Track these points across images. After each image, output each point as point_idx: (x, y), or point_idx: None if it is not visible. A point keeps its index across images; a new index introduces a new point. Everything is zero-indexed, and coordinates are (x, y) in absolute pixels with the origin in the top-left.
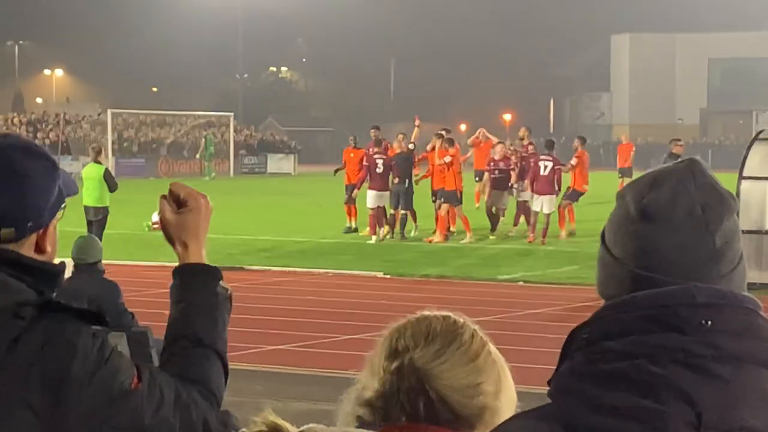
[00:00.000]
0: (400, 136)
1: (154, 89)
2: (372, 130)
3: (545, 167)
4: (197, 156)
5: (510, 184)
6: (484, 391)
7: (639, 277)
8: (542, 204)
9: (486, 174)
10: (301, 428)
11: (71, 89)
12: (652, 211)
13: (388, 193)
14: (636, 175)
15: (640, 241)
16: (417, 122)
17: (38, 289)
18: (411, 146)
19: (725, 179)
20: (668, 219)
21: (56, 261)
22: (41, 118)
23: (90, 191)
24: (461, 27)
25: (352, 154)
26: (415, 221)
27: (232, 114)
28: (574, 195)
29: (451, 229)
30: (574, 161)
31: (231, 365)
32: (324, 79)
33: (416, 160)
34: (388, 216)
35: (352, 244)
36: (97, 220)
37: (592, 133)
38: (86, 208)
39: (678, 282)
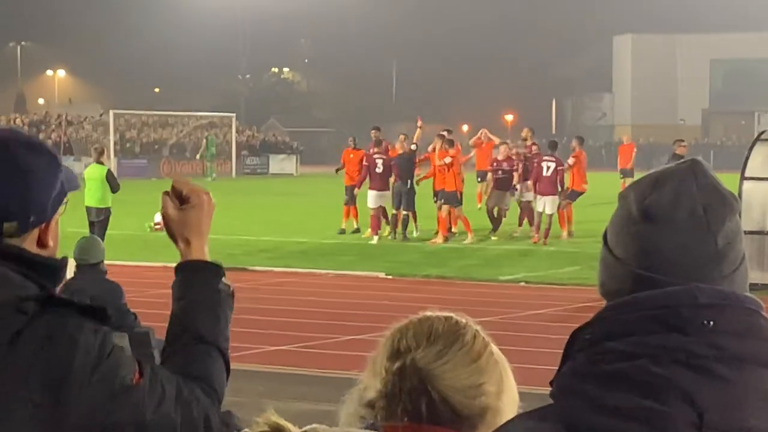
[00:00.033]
0: (402, 137)
1: (156, 90)
2: (372, 131)
3: (548, 168)
4: (197, 156)
5: (513, 185)
6: (486, 391)
7: (641, 278)
8: (544, 204)
9: (489, 174)
10: (304, 429)
11: (73, 90)
12: (654, 211)
13: (388, 192)
14: (638, 175)
15: (641, 241)
16: (419, 123)
17: (40, 284)
18: (413, 147)
19: (727, 180)
20: (670, 220)
21: (58, 256)
22: (43, 119)
23: (92, 192)
24: (463, 28)
25: (351, 155)
26: (415, 222)
27: (234, 115)
28: (573, 195)
29: (453, 230)
30: (571, 161)
31: (232, 366)
32: (326, 80)
33: (417, 160)
34: (390, 216)
35: (353, 245)
36: (99, 220)
37: (594, 134)
38: (88, 209)
39: (680, 283)
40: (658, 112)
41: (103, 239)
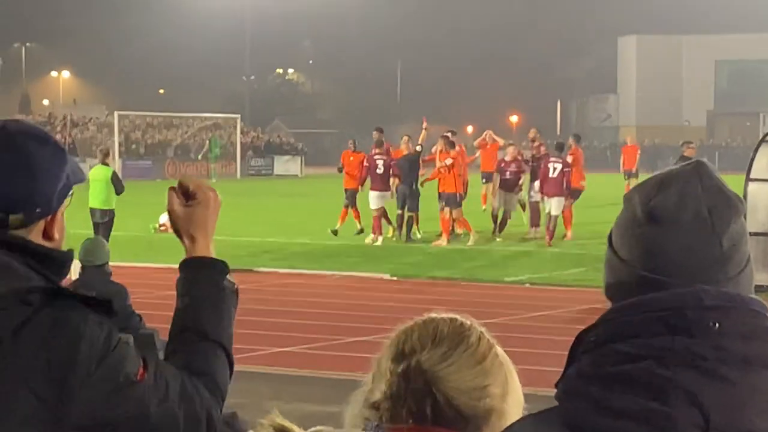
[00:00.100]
0: (406, 138)
1: (161, 91)
2: (374, 132)
3: (554, 169)
4: (199, 156)
5: (519, 186)
6: (491, 393)
7: (646, 280)
8: (550, 205)
9: (494, 175)
10: (308, 431)
11: (78, 91)
12: (659, 213)
13: (389, 193)
14: (642, 177)
15: (647, 243)
16: (424, 124)
17: (45, 276)
18: (418, 148)
19: (732, 181)
20: (675, 221)
21: (64, 249)
22: (48, 120)
23: (96, 193)
24: (468, 29)
25: (351, 158)
26: (416, 224)
27: (238, 116)
28: (574, 193)
29: (458, 231)
30: (570, 159)
31: (237, 367)
32: (331, 81)
33: (421, 161)
34: (396, 217)
35: (358, 246)
36: (103, 222)
37: (599, 135)
38: (92, 210)
39: (685, 285)
40: (663, 113)
41: (107, 240)
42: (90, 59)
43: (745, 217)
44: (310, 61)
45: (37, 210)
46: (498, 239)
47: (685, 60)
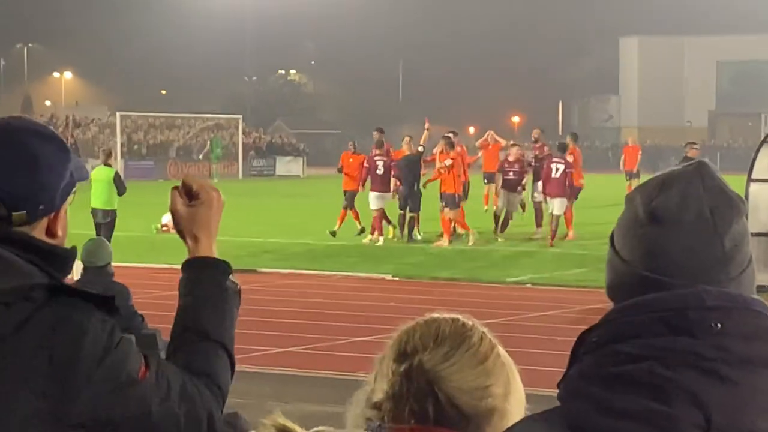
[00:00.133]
0: (407, 139)
1: (163, 92)
2: (375, 132)
3: (557, 169)
4: (200, 156)
5: (522, 186)
6: (493, 393)
7: (648, 280)
8: (553, 206)
9: (497, 176)
10: (310, 431)
11: (80, 92)
12: (661, 214)
13: (389, 194)
14: (644, 177)
15: (648, 243)
16: (426, 125)
17: (49, 273)
18: (420, 149)
19: (734, 182)
20: (677, 222)
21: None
22: (50, 121)
23: (98, 194)
24: (469, 30)
25: (351, 159)
26: (417, 225)
27: (240, 116)
28: (573, 192)
29: (459, 231)
30: (570, 158)
31: (239, 367)
32: (333, 82)
33: (423, 162)
34: (398, 217)
35: (360, 247)
36: (105, 222)
37: (601, 136)
38: (94, 211)
39: (687, 285)
40: (665, 114)
41: (109, 241)
42: (92, 60)
43: (746, 218)
44: (312, 62)
45: (41, 207)
46: (500, 240)
47: (687, 61)
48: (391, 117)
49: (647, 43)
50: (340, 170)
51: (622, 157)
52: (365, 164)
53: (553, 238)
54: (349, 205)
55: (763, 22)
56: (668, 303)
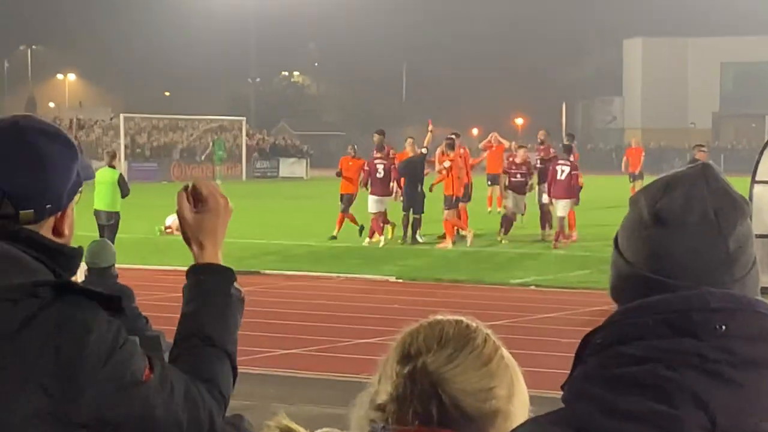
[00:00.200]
0: (410, 140)
1: (167, 93)
2: (375, 135)
3: (562, 172)
4: (202, 157)
5: (528, 188)
6: (497, 395)
7: (652, 282)
8: (557, 207)
9: (502, 177)
10: None
11: (84, 93)
12: (665, 215)
13: (388, 198)
14: (648, 179)
15: (653, 245)
16: (430, 127)
17: (55, 271)
18: (423, 150)
19: (738, 183)
20: (681, 223)
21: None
22: (54, 123)
23: (102, 195)
24: (473, 31)
25: (350, 163)
26: (420, 226)
27: (244, 118)
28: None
29: (462, 233)
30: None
31: (243, 369)
32: (336, 84)
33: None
34: (402, 218)
35: (363, 249)
36: (109, 224)
37: (605, 138)
38: (97, 212)
39: (691, 286)
40: (669, 115)
41: (112, 243)
42: (96, 61)
43: (750, 219)
44: (316, 64)
45: (48, 206)
46: (504, 242)
47: (691, 62)
48: (395, 118)
49: (651, 44)
50: (339, 174)
51: (625, 159)
52: (365, 167)
53: (557, 239)
54: (346, 208)
55: (767, 23)
56: (672, 305)
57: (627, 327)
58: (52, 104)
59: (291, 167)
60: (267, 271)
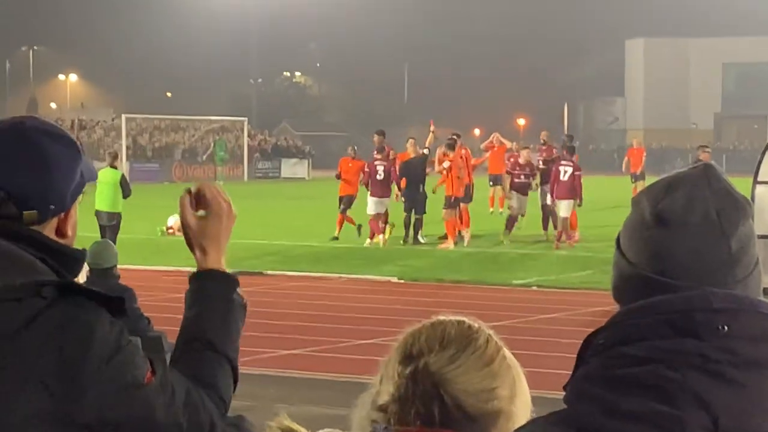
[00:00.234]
0: (412, 141)
1: (168, 94)
2: (375, 136)
3: (565, 172)
4: (203, 158)
5: (531, 188)
6: (499, 395)
7: (654, 282)
8: (560, 208)
9: (507, 177)
10: None
11: (85, 94)
12: (668, 216)
13: (387, 199)
14: (650, 180)
15: (655, 246)
16: (432, 127)
17: (58, 271)
18: (425, 151)
19: (740, 184)
20: (683, 224)
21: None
22: (56, 123)
23: (103, 196)
24: (475, 32)
25: (350, 165)
26: (420, 227)
27: (246, 119)
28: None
29: (463, 233)
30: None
31: (244, 370)
32: (338, 84)
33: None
34: (403, 219)
35: (365, 249)
36: (110, 225)
37: (607, 138)
38: (98, 213)
39: (693, 287)
40: (670, 116)
41: (114, 243)
42: (97, 62)
43: (752, 220)
44: (318, 64)
45: (51, 207)
46: (506, 242)
47: (693, 63)
48: (397, 119)
49: (653, 45)
50: (338, 177)
51: (626, 159)
52: (366, 169)
53: (559, 239)
54: (346, 209)
55: None
56: (674, 305)
57: (629, 327)
58: (53, 105)
59: (293, 168)
60: (269, 272)
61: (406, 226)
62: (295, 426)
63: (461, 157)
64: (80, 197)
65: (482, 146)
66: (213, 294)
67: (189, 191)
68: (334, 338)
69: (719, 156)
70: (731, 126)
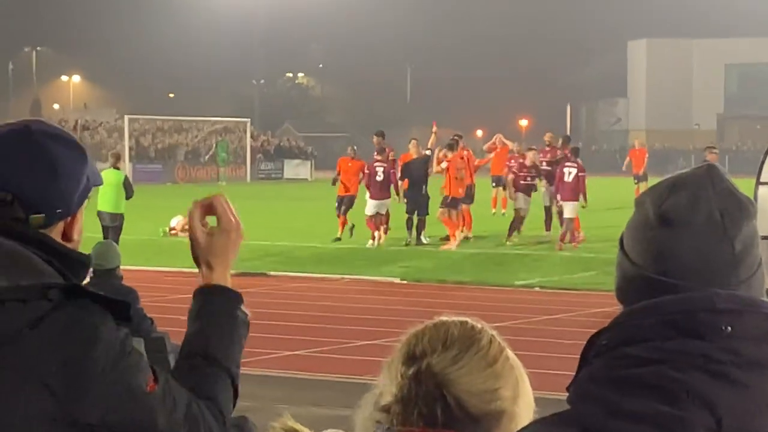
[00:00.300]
0: (414, 142)
1: (171, 95)
2: (375, 137)
3: (569, 173)
4: (206, 158)
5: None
6: (502, 396)
7: (657, 283)
8: (565, 209)
9: (510, 178)
10: None
11: (88, 95)
12: (671, 216)
13: (387, 201)
14: (652, 180)
15: (658, 246)
16: (434, 128)
17: (64, 275)
18: (427, 152)
19: (742, 185)
20: (687, 224)
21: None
22: (58, 125)
23: (106, 197)
24: (477, 33)
25: (350, 164)
26: (423, 228)
27: (248, 120)
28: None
29: (467, 235)
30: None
31: (248, 370)
32: (340, 85)
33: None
34: (406, 220)
35: (368, 250)
36: (113, 226)
37: (609, 139)
38: (101, 214)
39: (697, 288)
40: (673, 117)
41: (117, 244)
42: (100, 63)
43: (756, 220)
44: (320, 65)
45: (58, 211)
46: (508, 243)
47: (695, 64)
48: (399, 120)
49: (655, 45)
50: (335, 181)
51: (627, 160)
52: (365, 170)
53: (562, 240)
54: (347, 209)
55: None
56: (678, 306)
57: (632, 328)
58: (56, 106)
59: (295, 169)
60: (271, 273)
61: (409, 228)
62: (298, 426)
63: (461, 158)
64: (86, 202)
65: (485, 147)
66: (217, 310)
67: (199, 204)
68: (336, 339)
69: (722, 157)
70: (734, 127)
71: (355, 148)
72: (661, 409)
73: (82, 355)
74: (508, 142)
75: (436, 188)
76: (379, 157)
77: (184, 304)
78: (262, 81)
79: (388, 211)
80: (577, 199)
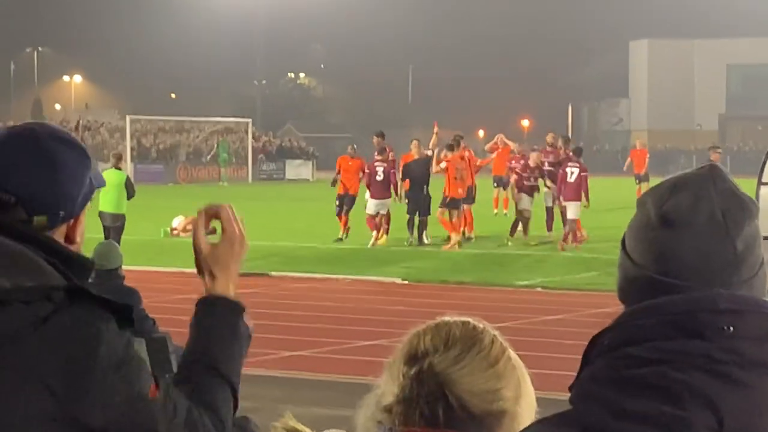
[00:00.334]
0: (415, 142)
1: (173, 95)
2: (375, 138)
3: (572, 173)
4: (207, 158)
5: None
6: (504, 396)
7: (659, 283)
8: (568, 210)
9: (512, 179)
10: None
11: (90, 95)
12: (673, 216)
13: (387, 201)
14: (654, 181)
15: (660, 246)
16: (435, 129)
17: (68, 277)
18: (429, 152)
19: (744, 185)
20: (689, 224)
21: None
22: (60, 125)
23: (108, 197)
24: (479, 33)
25: (350, 163)
26: (425, 228)
27: (250, 120)
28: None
29: (469, 234)
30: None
31: (249, 370)
32: (342, 86)
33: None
34: (407, 220)
35: (369, 250)
36: (115, 226)
37: (611, 139)
38: (102, 214)
39: (698, 288)
40: (675, 117)
41: (118, 244)
42: (102, 63)
43: (758, 220)
44: (322, 66)
45: (61, 213)
46: (510, 243)
47: (697, 64)
48: (400, 120)
49: (657, 46)
50: (333, 183)
51: (628, 160)
52: (366, 169)
53: (565, 240)
54: (348, 209)
55: None
56: (680, 306)
57: (634, 328)
58: (58, 106)
59: (297, 169)
60: (273, 273)
61: (410, 228)
62: (300, 426)
63: (462, 158)
64: (89, 204)
65: (486, 147)
66: (219, 320)
67: (203, 212)
68: (338, 339)
69: (723, 157)
70: (735, 127)
71: (355, 146)
72: (663, 409)
73: (83, 355)
74: (509, 143)
75: (438, 189)
76: (379, 157)
77: (185, 304)
78: (264, 81)
79: (389, 211)
80: (579, 199)
